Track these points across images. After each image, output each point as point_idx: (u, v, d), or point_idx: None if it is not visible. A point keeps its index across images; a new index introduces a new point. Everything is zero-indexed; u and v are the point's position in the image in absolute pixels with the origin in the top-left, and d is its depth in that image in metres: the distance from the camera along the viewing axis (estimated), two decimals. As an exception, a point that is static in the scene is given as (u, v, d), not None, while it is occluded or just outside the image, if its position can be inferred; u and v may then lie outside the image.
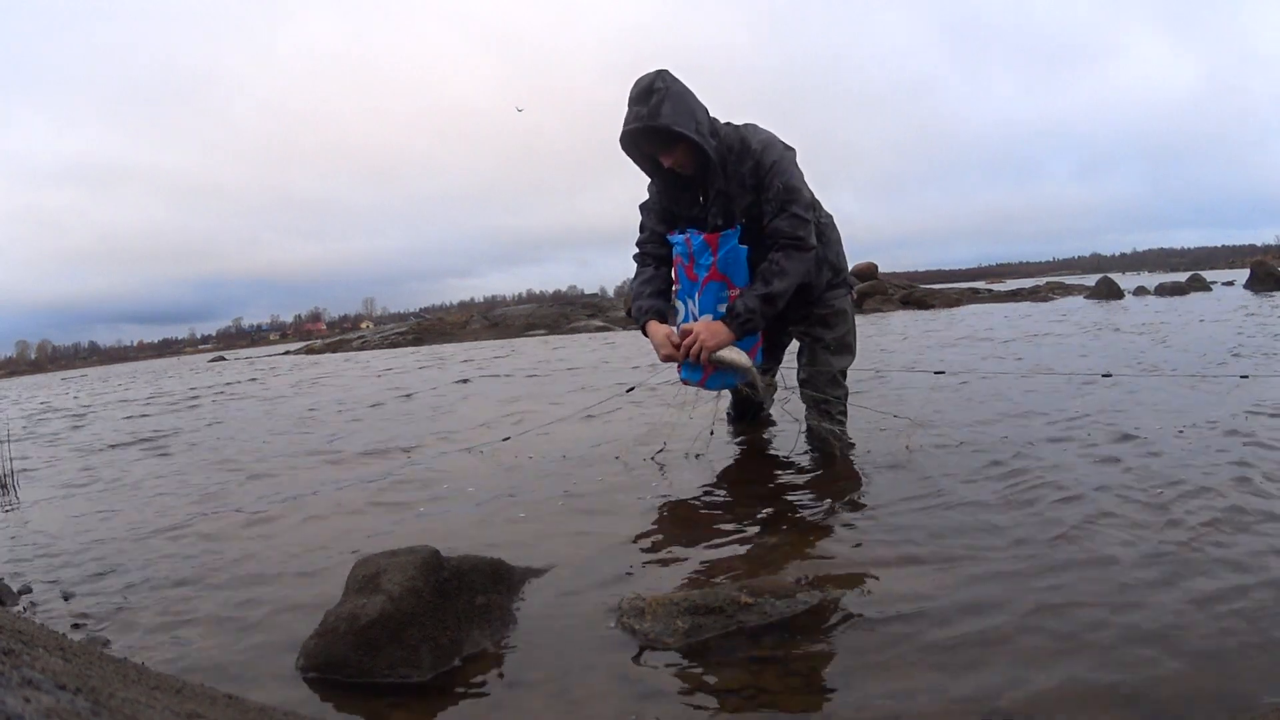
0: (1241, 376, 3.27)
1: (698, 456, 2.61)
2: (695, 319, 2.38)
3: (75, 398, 10.83)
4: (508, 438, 3.14)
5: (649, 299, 2.53)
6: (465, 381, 3.50)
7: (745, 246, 2.35)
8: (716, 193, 2.37)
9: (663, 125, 2.21)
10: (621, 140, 2.34)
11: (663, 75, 2.25)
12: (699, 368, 2.42)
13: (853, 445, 2.54)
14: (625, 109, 2.29)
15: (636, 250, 2.64)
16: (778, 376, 2.93)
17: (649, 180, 2.57)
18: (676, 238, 2.44)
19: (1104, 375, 3.54)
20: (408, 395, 5.68)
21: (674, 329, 2.41)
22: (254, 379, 10.51)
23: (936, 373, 3.92)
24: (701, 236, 2.37)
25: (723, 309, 2.34)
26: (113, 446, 4.35)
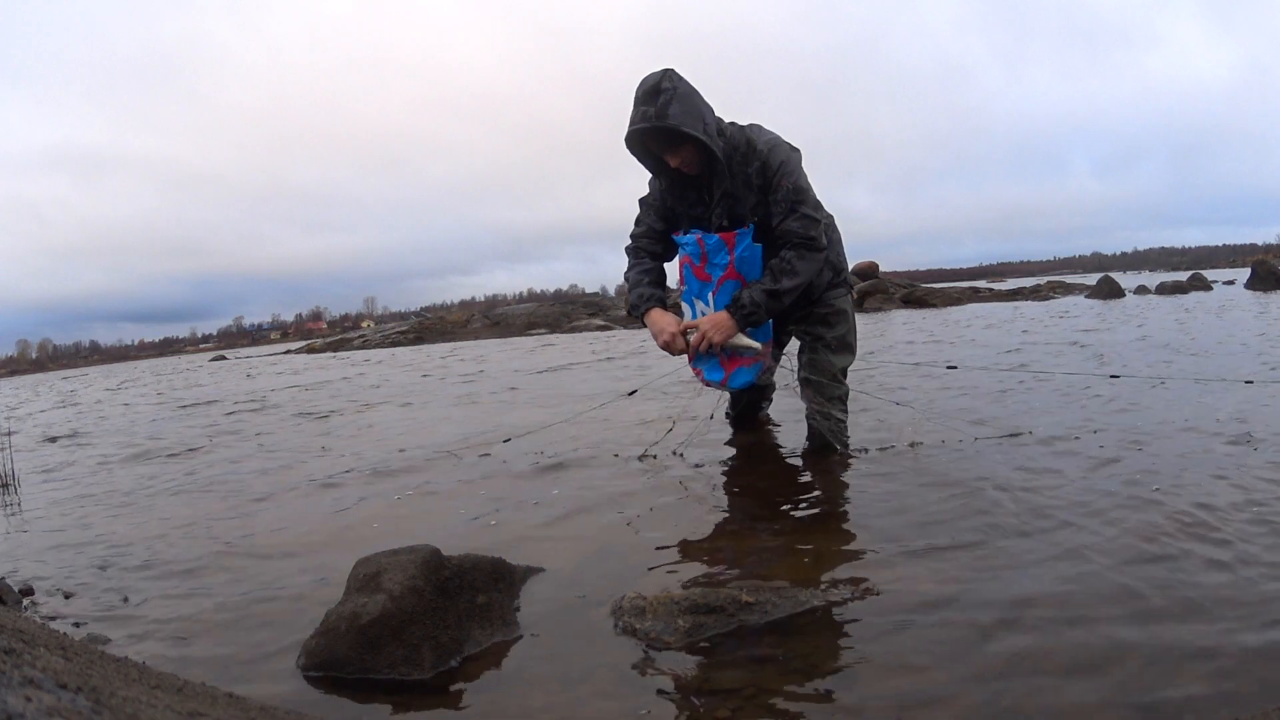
0: (1247, 382, 3.26)
1: (691, 451, 2.61)
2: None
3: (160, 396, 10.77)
4: (509, 439, 3.14)
5: (649, 287, 2.54)
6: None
7: (760, 244, 2.35)
8: (722, 193, 2.37)
9: (670, 125, 2.20)
10: (627, 139, 2.34)
11: (669, 75, 2.25)
12: (720, 368, 2.43)
13: (853, 443, 2.54)
14: (631, 108, 2.29)
15: (630, 243, 2.64)
16: (775, 376, 2.93)
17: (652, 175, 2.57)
18: (687, 238, 2.44)
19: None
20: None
21: (677, 318, 2.42)
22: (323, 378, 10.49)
23: (949, 367, 3.92)
24: (717, 236, 2.36)
25: None
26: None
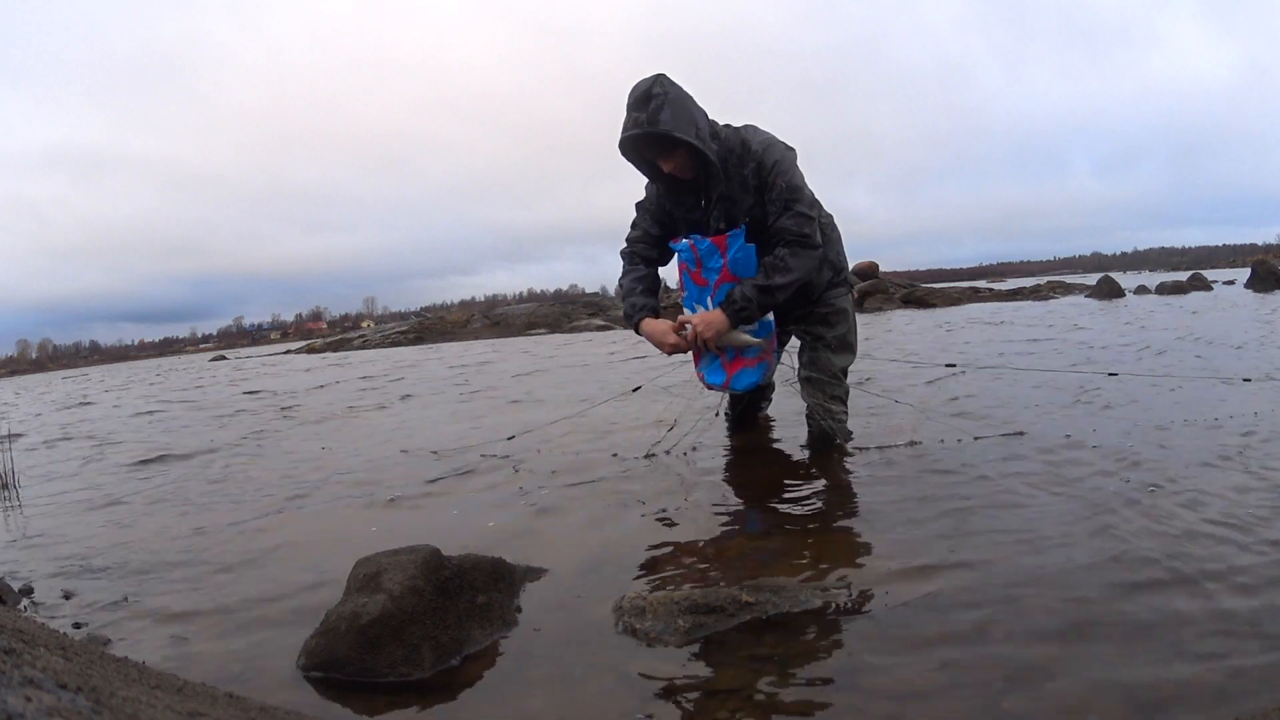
0: (1245, 380, 3.26)
1: (691, 451, 2.61)
2: None
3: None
4: (512, 436, 3.14)
5: (642, 296, 2.54)
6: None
7: (753, 245, 2.36)
8: (719, 196, 2.38)
9: (662, 131, 2.21)
10: (621, 146, 2.35)
11: (660, 80, 2.25)
12: (722, 371, 2.43)
13: (854, 442, 2.54)
14: (624, 115, 2.30)
15: (626, 247, 2.64)
16: (775, 375, 2.93)
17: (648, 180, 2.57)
18: (680, 244, 2.45)
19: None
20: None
21: (671, 323, 2.43)
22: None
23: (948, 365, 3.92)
24: (709, 240, 2.37)
25: None
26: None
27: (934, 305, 14.77)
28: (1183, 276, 16.82)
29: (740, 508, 2.04)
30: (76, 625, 1.54)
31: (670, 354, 2.46)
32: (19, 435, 5.34)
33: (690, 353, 2.48)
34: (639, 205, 2.62)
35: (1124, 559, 1.45)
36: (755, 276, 2.32)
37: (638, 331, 2.51)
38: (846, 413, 2.61)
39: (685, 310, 2.52)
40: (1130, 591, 1.32)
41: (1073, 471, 2.07)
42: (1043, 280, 23.16)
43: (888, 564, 1.53)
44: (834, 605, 1.35)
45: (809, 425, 2.62)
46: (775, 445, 2.73)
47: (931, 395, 3.49)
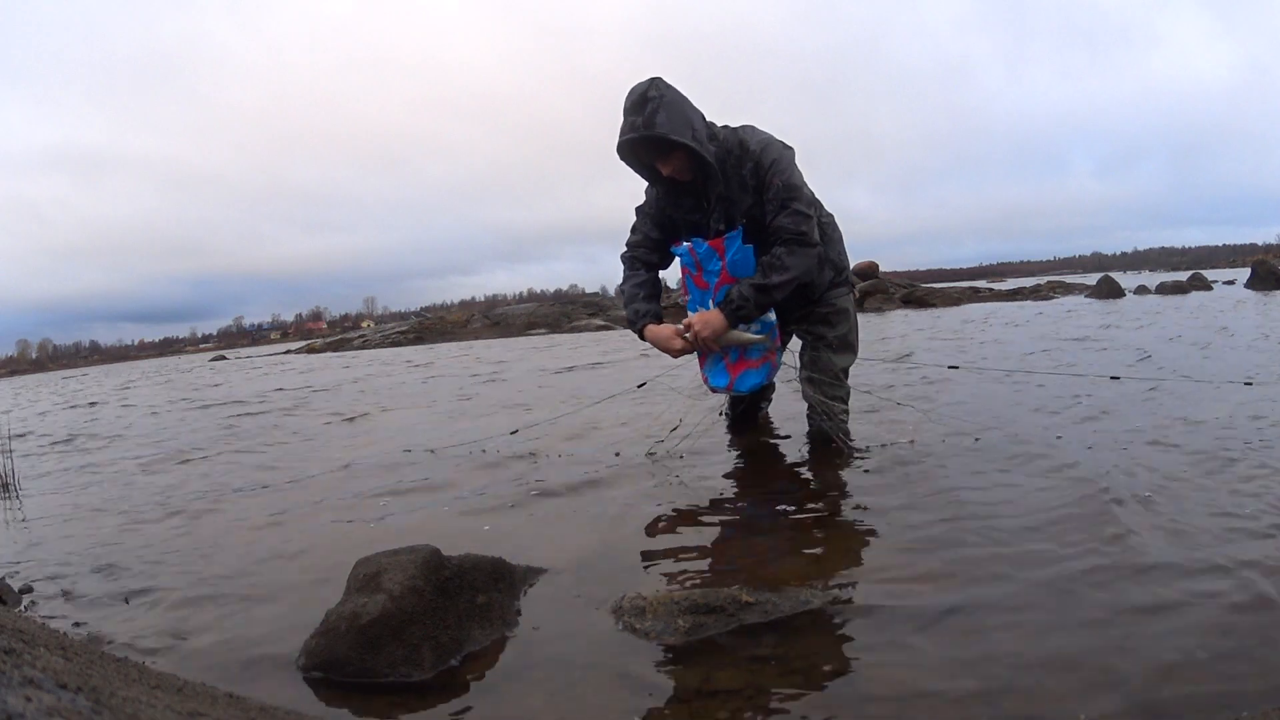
0: (1245, 383, 3.26)
1: (692, 451, 2.61)
2: None
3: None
4: (515, 431, 3.15)
5: (644, 302, 2.55)
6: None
7: (751, 245, 2.36)
8: (718, 197, 2.38)
9: (658, 134, 2.21)
10: (619, 150, 2.36)
11: (656, 84, 2.26)
12: (725, 373, 2.44)
13: (855, 442, 2.54)
14: (621, 119, 2.30)
15: (626, 251, 2.65)
16: (776, 377, 2.93)
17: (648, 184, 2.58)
18: (680, 249, 2.45)
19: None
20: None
21: (675, 326, 2.44)
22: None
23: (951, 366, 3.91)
24: (706, 243, 2.38)
25: None
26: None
27: (934, 305, 14.77)
28: (1183, 276, 16.83)
29: (741, 508, 2.03)
30: (76, 625, 1.54)
31: (678, 357, 2.48)
32: (20, 435, 5.35)
33: (697, 354, 2.49)
34: (639, 209, 2.63)
35: (1126, 558, 1.45)
36: (753, 276, 2.33)
37: (642, 338, 2.52)
38: (848, 412, 2.60)
39: (690, 314, 2.53)
40: (1131, 590, 1.32)
41: (1072, 472, 2.06)
42: (1043, 280, 23.17)
43: (888, 564, 1.53)
44: (834, 605, 1.35)
45: (810, 425, 2.61)
46: (775, 445, 2.73)
47: (934, 396, 3.49)
